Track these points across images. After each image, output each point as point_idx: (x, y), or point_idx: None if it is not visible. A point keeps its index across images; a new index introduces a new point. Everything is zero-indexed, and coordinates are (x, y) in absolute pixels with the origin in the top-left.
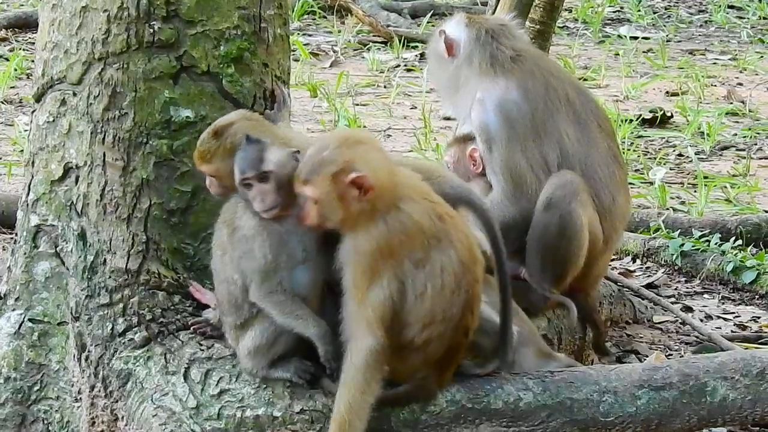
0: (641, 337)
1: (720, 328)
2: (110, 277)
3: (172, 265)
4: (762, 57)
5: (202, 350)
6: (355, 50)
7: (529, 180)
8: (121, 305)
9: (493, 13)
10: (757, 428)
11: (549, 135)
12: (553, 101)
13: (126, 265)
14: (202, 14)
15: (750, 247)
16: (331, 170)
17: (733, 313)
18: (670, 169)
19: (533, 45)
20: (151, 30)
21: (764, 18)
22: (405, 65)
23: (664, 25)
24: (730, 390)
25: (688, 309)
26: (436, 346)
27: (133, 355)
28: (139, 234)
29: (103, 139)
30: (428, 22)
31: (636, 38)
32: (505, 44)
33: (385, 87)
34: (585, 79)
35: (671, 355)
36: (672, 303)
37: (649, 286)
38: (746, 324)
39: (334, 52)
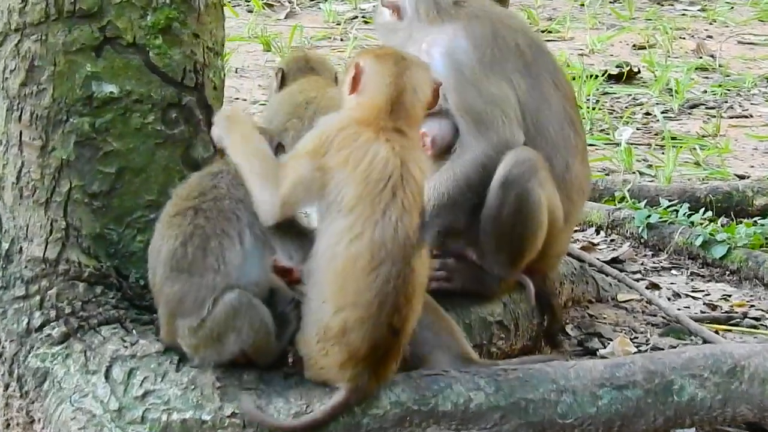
0: (605, 318)
1: (689, 307)
2: (26, 266)
3: (94, 253)
4: (732, 8)
5: (126, 347)
6: (311, 1)
7: (489, 115)
8: (37, 297)
9: None
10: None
11: (499, 81)
12: (502, 49)
13: (44, 254)
14: None
15: (721, 218)
16: None
17: (703, 291)
18: (637, 128)
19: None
20: None
21: None
22: (363, 17)
23: None
24: (698, 388)
25: (655, 286)
26: (356, 338)
27: (50, 352)
28: (59, 219)
29: (20, 116)
30: None
31: None
32: None
33: (341, 40)
34: (549, 31)
35: (636, 338)
36: (638, 279)
37: (613, 260)
38: (716, 303)
39: (290, 3)
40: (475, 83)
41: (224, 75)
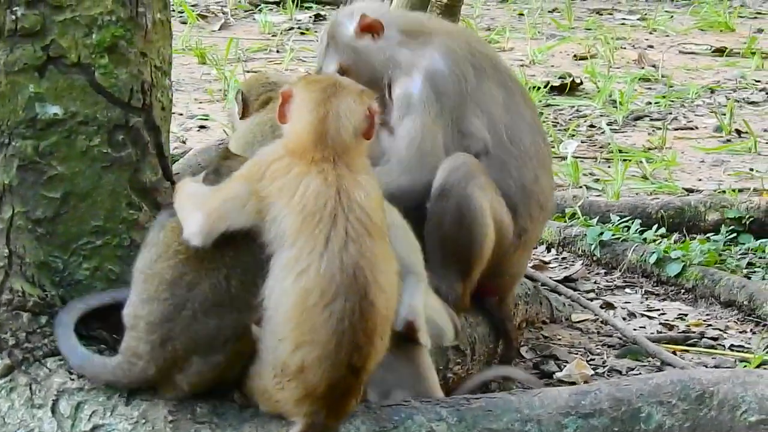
0: (560, 339)
1: (644, 327)
2: None
3: (38, 281)
4: (672, 17)
5: (72, 380)
6: (246, 12)
7: (435, 154)
8: None
9: None
10: None
11: (478, 102)
12: (481, 63)
13: None
14: None
15: (674, 234)
16: None
17: (659, 309)
18: (582, 141)
19: None
20: (14, 17)
21: None
22: (299, 28)
23: None
24: (666, 416)
25: (610, 306)
26: (314, 377)
27: None
28: (1, 247)
29: None
30: None
31: None
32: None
33: (278, 51)
34: (489, 42)
35: (593, 359)
36: (592, 299)
37: (566, 279)
38: (672, 323)
39: (224, 14)
40: (448, 113)
41: (172, 95)
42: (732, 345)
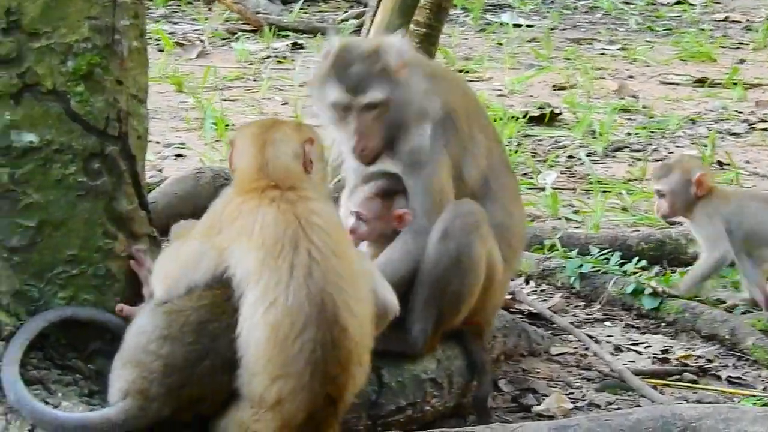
0: (538, 372)
1: (634, 361)
2: None
3: (13, 310)
4: (653, 47)
5: None
6: (223, 39)
7: (448, 197)
8: None
9: (374, 14)
10: None
11: (471, 149)
12: (470, 108)
13: None
14: (47, 25)
15: (654, 266)
16: None
17: (644, 343)
18: (561, 172)
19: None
20: None
21: (652, 4)
22: (276, 56)
23: (548, 12)
24: None
25: (593, 339)
26: (292, 408)
27: None
28: None
29: None
30: (300, 9)
31: (519, 26)
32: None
33: (254, 80)
34: (467, 71)
35: (572, 393)
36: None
37: None
38: (657, 356)
39: (201, 42)
40: (452, 157)
41: (148, 123)
42: (729, 377)
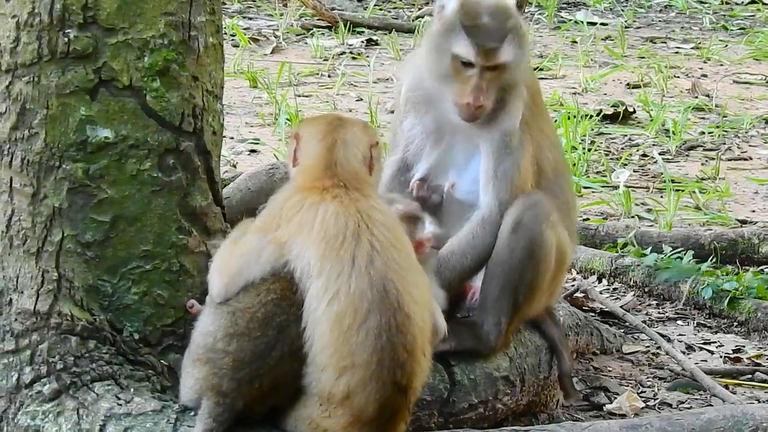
0: (610, 371)
1: (705, 361)
2: (16, 319)
3: (87, 305)
4: (727, 46)
5: (120, 405)
6: (297, 36)
7: (525, 187)
8: (28, 352)
9: None
10: None
11: (546, 136)
12: (541, 98)
13: (34, 306)
14: (123, 21)
15: (728, 266)
16: None
17: (715, 342)
18: (634, 171)
19: None
20: (66, 39)
21: (727, 3)
22: (350, 52)
23: (622, 10)
24: None
25: (665, 338)
26: (361, 401)
27: (41, 409)
28: (50, 270)
29: (10, 162)
30: (375, 5)
31: (593, 24)
32: None
33: (329, 76)
34: (541, 69)
35: (644, 392)
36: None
37: None
38: (729, 356)
39: (276, 37)
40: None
41: (223, 119)
42: None
